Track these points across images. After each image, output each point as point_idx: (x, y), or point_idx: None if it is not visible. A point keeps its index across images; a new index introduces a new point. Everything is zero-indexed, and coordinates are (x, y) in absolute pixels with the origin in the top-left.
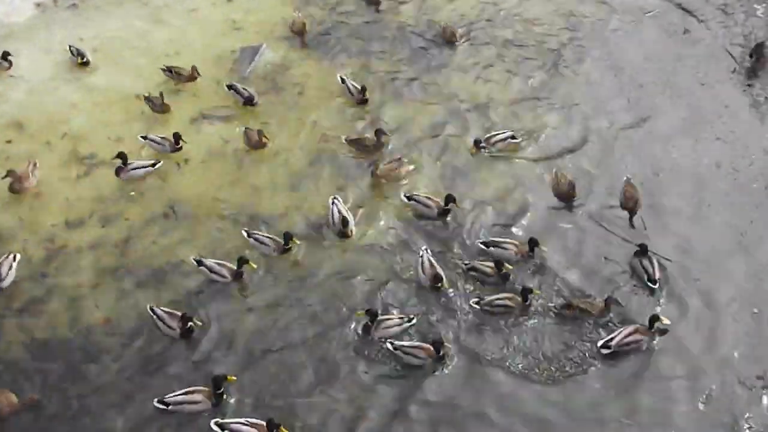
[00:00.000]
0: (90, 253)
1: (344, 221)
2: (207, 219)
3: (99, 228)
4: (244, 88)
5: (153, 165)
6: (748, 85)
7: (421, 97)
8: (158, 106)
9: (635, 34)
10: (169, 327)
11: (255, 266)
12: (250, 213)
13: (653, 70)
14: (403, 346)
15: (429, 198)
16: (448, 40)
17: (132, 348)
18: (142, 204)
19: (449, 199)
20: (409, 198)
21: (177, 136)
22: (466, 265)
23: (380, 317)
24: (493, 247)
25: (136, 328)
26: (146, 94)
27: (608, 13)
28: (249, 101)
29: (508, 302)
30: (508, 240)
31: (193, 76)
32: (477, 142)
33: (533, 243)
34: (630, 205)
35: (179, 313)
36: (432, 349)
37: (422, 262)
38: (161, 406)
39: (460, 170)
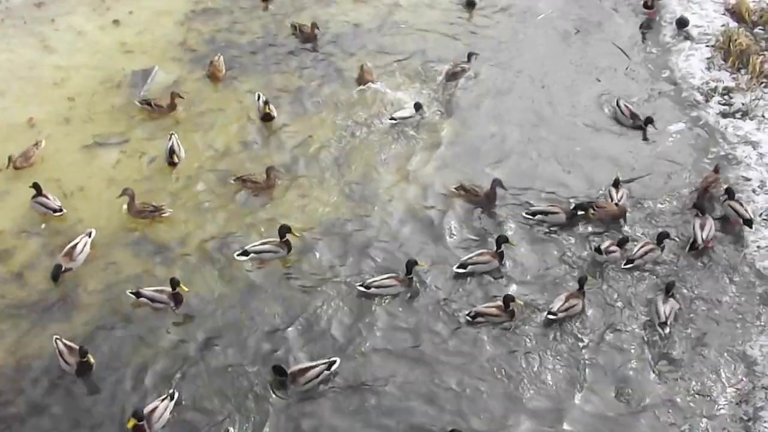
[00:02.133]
0: None
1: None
2: (109, 248)
3: None
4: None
5: (55, 211)
6: None
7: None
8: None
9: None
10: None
11: (186, 289)
12: (152, 239)
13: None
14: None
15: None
16: (306, 38)
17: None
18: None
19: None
20: (532, 214)
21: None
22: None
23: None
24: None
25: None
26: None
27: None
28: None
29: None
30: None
31: (173, 104)
32: None
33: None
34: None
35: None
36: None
37: None
38: None
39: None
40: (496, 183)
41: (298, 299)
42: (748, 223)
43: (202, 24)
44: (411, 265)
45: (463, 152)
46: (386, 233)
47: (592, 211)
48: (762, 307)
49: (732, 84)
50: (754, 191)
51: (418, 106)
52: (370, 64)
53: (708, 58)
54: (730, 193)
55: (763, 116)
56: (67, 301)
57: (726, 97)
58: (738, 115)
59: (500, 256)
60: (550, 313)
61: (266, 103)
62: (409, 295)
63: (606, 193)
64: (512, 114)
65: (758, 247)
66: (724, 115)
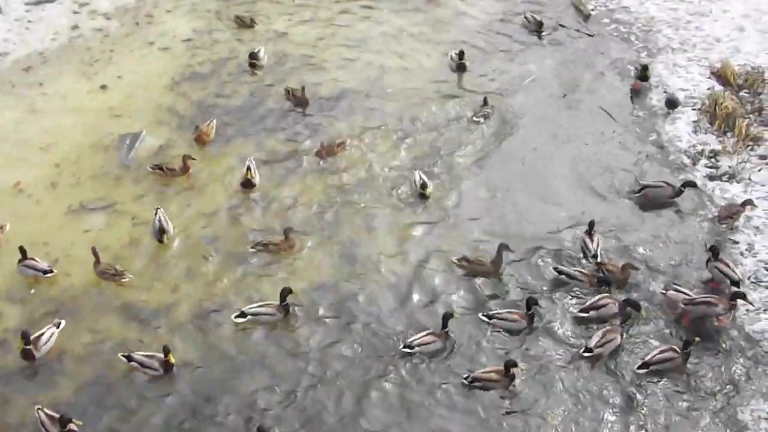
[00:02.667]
0: None
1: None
2: (96, 313)
3: None
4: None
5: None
6: None
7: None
8: None
9: None
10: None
11: (173, 360)
12: (141, 305)
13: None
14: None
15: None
16: (298, 102)
17: None
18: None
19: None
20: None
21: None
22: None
23: None
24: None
25: None
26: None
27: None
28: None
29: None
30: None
31: (186, 166)
32: None
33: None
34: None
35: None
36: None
37: None
38: None
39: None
40: (503, 248)
41: (292, 367)
42: (736, 284)
43: (190, 88)
44: (447, 318)
45: (455, 217)
46: (383, 299)
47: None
48: (752, 371)
49: (718, 147)
50: (741, 254)
51: (424, 186)
52: (340, 140)
53: (694, 122)
54: (714, 252)
55: (749, 179)
56: (52, 368)
57: (713, 160)
58: (725, 178)
59: (530, 318)
60: (586, 350)
61: (248, 169)
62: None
63: (580, 242)
64: (503, 177)
65: (747, 310)
66: (711, 177)
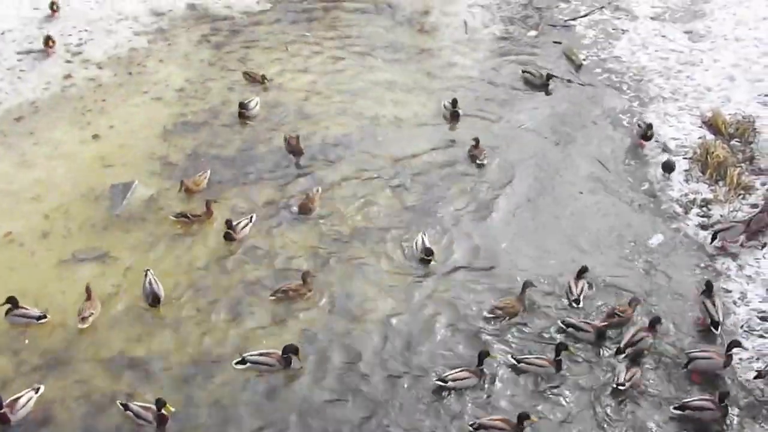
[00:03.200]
0: None
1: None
2: (89, 365)
3: None
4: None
5: (38, 318)
6: None
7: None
8: None
9: None
10: None
11: (173, 409)
12: (135, 356)
13: None
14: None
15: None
16: (292, 150)
17: None
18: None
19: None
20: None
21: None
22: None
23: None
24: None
25: None
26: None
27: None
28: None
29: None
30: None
31: (210, 211)
32: None
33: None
34: None
35: None
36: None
37: None
38: None
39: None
40: (528, 285)
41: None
42: (715, 325)
43: (182, 138)
44: (483, 356)
45: (450, 266)
46: (386, 350)
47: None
48: (745, 420)
49: (710, 196)
50: (734, 302)
51: (429, 252)
52: (316, 190)
53: (686, 171)
54: (709, 287)
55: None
56: (44, 421)
57: (704, 208)
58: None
59: (558, 364)
60: (618, 385)
61: (229, 226)
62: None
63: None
64: (498, 227)
65: (740, 359)
66: (704, 227)
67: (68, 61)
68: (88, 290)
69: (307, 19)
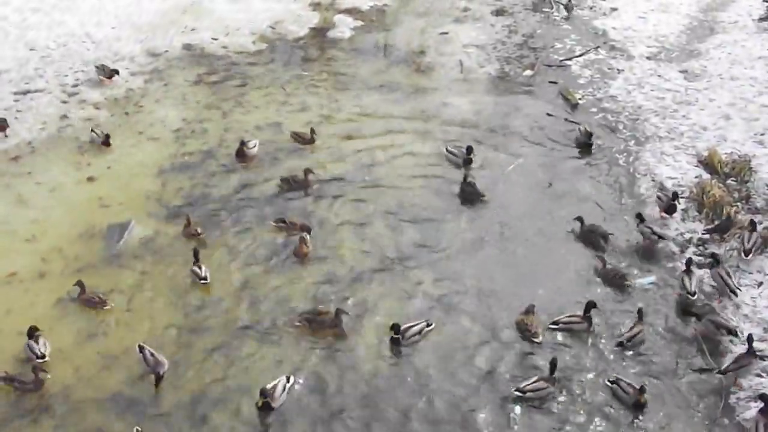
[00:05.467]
0: None
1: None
2: (86, 407)
3: None
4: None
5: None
6: None
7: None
8: None
9: None
10: None
11: None
12: (135, 397)
13: None
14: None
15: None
16: (300, 186)
17: None
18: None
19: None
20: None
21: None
22: None
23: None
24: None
25: None
26: None
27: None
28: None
29: None
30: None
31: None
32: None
33: None
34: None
35: None
36: None
37: None
38: None
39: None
40: (531, 307)
41: None
42: (691, 295)
43: (179, 178)
44: (554, 364)
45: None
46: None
47: None
48: None
49: (707, 235)
50: (731, 341)
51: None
52: (307, 236)
53: (683, 210)
54: (688, 264)
55: (737, 266)
56: None
57: (701, 248)
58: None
59: (589, 321)
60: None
61: (196, 264)
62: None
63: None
64: (491, 270)
65: (738, 398)
66: (700, 266)
67: (64, 102)
68: (80, 284)
69: (303, 59)
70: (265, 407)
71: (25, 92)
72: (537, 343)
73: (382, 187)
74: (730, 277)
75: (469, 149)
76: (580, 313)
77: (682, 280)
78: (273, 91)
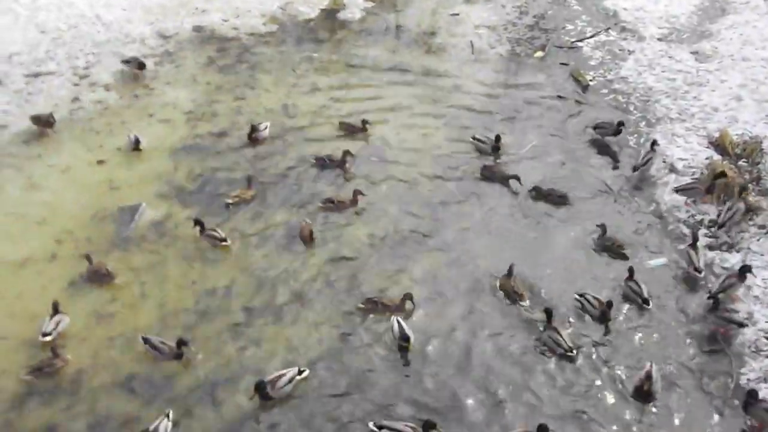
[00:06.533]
0: None
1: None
2: (98, 387)
3: None
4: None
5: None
6: None
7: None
8: None
9: None
10: None
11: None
12: (146, 377)
13: None
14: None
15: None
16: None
17: None
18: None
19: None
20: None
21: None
22: None
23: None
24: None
25: None
26: None
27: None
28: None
29: None
30: None
31: (355, 199)
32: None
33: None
34: None
35: None
36: None
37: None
38: None
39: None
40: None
41: None
42: (697, 271)
43: (190, 161)
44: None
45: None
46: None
47: None
48: None
49: (717, 217)
50: (741, 324)
51: (406, 338)
52: (309, 221)
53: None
54: (695, 238)
55: (749, 248)
56: None
57: (712, 229)
58: (724, 248)
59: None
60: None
61: (209, 230)
62: None
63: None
64: (509, 246)
65: (748, 379)
66: (711, 247)
67: (76, 84)
68: (87, 257)
69: (314, 40)
70: (264, 397)
71: (36, 75)
72: (524, 305)
73: (392, 168)
74: (697, 255)
75: (498, 138)
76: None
77: (687, 255)
78: (284, 73)
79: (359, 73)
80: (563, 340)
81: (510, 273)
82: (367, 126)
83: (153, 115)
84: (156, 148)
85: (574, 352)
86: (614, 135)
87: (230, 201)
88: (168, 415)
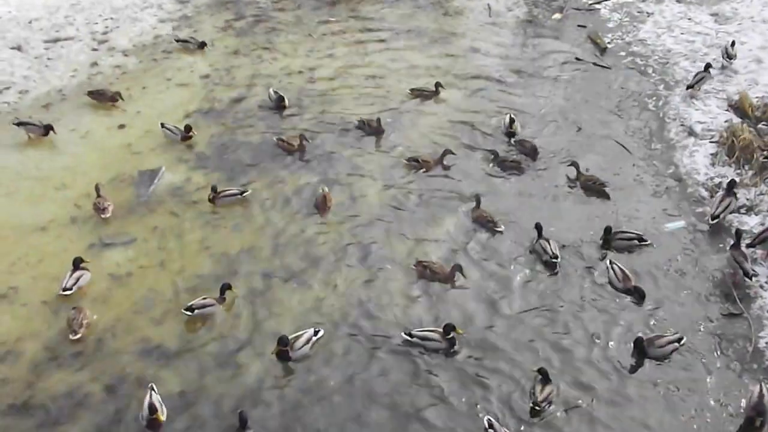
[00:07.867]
0: None
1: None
2: (114, 350)
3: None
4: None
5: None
6: None
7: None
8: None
9: None
10: None
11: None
12: (155, 342)
13: None
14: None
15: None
16: (373, 132)
17: None
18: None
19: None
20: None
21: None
22: None
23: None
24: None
25: None
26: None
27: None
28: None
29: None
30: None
31: (439, 159)
32: None
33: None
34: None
35: None
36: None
37: None
38: None
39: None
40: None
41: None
42: (748, 276)
43: (208, 125)
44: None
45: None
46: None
47: None
48: None
49: (736, 179)
50: (761, 287)
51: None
52: (327, 189)
53: (712, 154)
54: (738, 236)
55: (767, 211)
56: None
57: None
58: (743, 211)
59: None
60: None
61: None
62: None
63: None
64: (525, 213)
65: (766, 343)
66: (730, 210)
67: (94, 49)
68: (97, 189)
69: (330, 3)
70: (282, 356)
71: (56, 40)
72: (500, 231)
73: (408, 133)
74: (746, 259)
75: (512, 120)
76: None
77: (733, 259)
78: (300, 37)
79: (377, 35)
80: (550, 248)
81: (478, 204)
82: (440, 89)
83: (171, 79)
84: (174, 112)
85: (559, 258)
86: None
87: (280, 139)
88: (153, 388)
